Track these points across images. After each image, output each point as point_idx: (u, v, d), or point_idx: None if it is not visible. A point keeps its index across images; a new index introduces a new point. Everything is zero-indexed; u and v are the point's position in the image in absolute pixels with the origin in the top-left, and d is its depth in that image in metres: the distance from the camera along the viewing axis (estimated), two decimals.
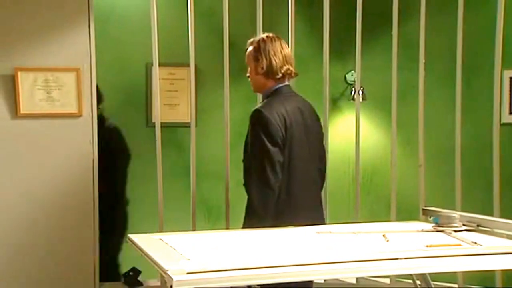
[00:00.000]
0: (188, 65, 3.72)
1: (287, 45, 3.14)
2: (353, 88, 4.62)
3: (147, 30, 3.67)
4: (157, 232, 3.29)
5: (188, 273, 1.89)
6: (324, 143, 3.31)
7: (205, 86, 4.45)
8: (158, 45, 3.63)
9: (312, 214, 3.06)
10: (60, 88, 3.59)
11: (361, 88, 4.18)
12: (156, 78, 3.68)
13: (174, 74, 4.48)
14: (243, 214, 2.96)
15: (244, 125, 3.03)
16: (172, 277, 1.85)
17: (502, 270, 3.59)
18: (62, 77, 3.58)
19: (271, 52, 3.04)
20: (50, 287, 3.60)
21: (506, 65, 3.98)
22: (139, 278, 4.14)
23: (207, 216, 4.55)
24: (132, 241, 2.43)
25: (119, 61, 4.41)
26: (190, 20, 3.66)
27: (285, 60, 3.07)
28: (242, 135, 3.07)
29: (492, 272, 3.71)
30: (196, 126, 3.78)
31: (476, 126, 4.26)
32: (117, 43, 4.39)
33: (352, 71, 4.63)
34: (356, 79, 4.01)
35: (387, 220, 3.79)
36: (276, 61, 3.04)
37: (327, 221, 3.66)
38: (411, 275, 2.66)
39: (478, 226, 2.59)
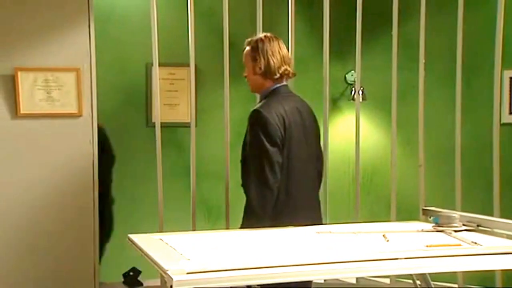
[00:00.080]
0: (188, 65, 3.72)
1: (285, 45, 3.12)
2: (353, 88, 4.62)
3: (147, 30, 3.67)
4: (157, 232, 3.29)
5: (188, 273, 1.89)
6: (321, 143, 3.30)
7: (205, 86, 4.45)
8: (158, 45, 3.63)
9: (310, 214, 3.06)
10: (60, 88, 3.59)
11: (361, 88, 4.19)
12: (156, 78, 3.68)
13: (174, 74, 4.48)
14: (242, 214, 2.96)
15: (244, 125, 3.02)
16: (172, 277, 1.85)
17: (502, 270, 3.59)
18: (62, 77, 3.58)
19: (269, 52, 3.03)
20: (50, 287, 3.60)
21: (506, 65, 3.98)
22: (139, 278, 4.14)
23: (207, 216, 4.55)
24: (132, 241, 2.43)
25: (119, 61, 4.41)
26: (190, 20, 3.66)
27: (283, 60, 3.06)
28: (242, 135, 3.06)
29: (492, 272, 3.71)
30: (196, 126, 3.78)
31: (476, 126, 4.26)
32: (117, 43, 4.40)
33: (352, 71, 4.63)
34: (356, 79, 4.01)
35: (387, 220, 3.79)
36: (274, 61, 3.03)
37: (327, 221, 3.68)
38: (411, 275, 2.66)
39: (478, 226, 2.59)
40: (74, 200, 3.63)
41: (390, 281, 4.00)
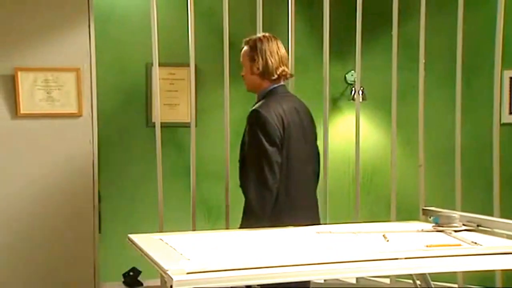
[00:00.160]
0: (188, 65, 3.72)
1: (283, 46, 3.11)
2: (353, 88, 4.62)
3: (147, 30, 3.67)
4: (157, 232, 3.29)
5: (188, 273, 1.89)
6: (318, 143, 3.30)
7: (205, 86, 4.45)
8: (158, 45, 3.63)
9: (309, 213, 3.07)
10: (60, 88, 3.59)
11: (361, 88, 4.18)
12: (156, 78, 3.68)
13: (174, 74, 4.48)
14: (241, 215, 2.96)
15: (244, 125, 3.02)
16: (172, 277, 1.85)
17: (502, 270, 3.59)
18: (62, 77, 3.58)
19: (268, 53, 3.02)
20: (50, 286, 3.60)
21: (506, 65, 3.98)
22: (139, 278, 4.14)
23: (207, 216, 4.55)
24: (132, 241, 2.43)
25: (119, 61, 4.41)
26: (190, 20, 3.66)
27: (281, 61, 3.05)
28: (242, 135, 3.06)
29: (492, 272, 3.70)
30: (196, 126, 3.78)
31: (476, 126, 4.26)
32: (117, 43, 4.39)
33: (352, 71, 4.63)
34: (356, 79, 4.01)
35: (387, 220, 3.79)
36: (272, 61, 3.02)
37: (327, 221, 3.67)
38: (411, 275, 2.65)
39: (478, 226, 2.58)
40: (74, 200, 3.63)
41: (390, 281, 4.00)
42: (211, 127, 4.47)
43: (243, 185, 2.98)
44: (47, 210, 3.60)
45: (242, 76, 3.12)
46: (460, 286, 3.85)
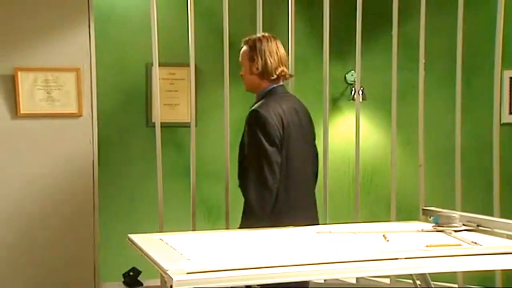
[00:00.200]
0: (188, 65, 3.72)
1: (282, 46, 3.10)
2: (353, 88, 4.62)
3: (147, 30, 3.67)
4: (157, 232, 3.29)
5: (188, 273, 1.89)
6: (316, 143, 3.30)
7: (205, 86, 4.45)
8: (158, 45, 3.63)
9: (308, 213, 3.08)
10: (60, 88, 3.59)
11: (361, 88, 4.18)
12: (156, 78, 3.68)
13: (174, 74, 4.48)
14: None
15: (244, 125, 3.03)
16: (172, 277, 1.85)
17: (502, 270, 3.59)
18: (62, 77, 3.58)
19: (267, 53, 3.02)
20: (50, 286, 3.60)
21: (506, 65, 3.98)
22: (139, 278, 4.14)
23: (207, 216, 4.55)
24: (132, 241, 2.43)
25: (119, 61, 4.41)
26: (190, 20, 3.66)
27: (281, 61, 3.04)
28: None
29: (492, 272, 3.70)
30: (196, 126, 3.78)
31: (476, 126, 4.26)
32: (117, 43, 4.39)
33: (352, 71, 4.63)
34: (356, 79, 4.01)
35: (387, 220, 3.80)
36: (272, 61, 3.01)
37: (327, 221, 3.68)
38: (411, 275, 2.65)
39: (478, 226, 2.58)
40: (74, 200, 3.63)
41: (390, 281, 4.00)
42: (211, 127, 4.47)
43: (243, 185, 2.98)
44: (47, 210, 3.60)
45: (241, 76, 3.12)
46: (460, 286, 3.85)
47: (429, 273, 2.61)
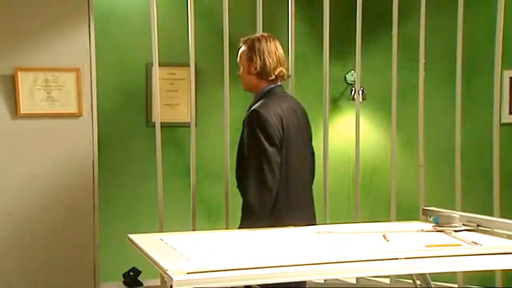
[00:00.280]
0: (188, 65, 3.72)
1: (281, 46, 3.10)
2: (353, 88, 4.61)
3: (147, 30, 3.67)
4: (157, 232, 3.30)
5: (188, 273, 1.89)
6: (315, 143, 3.30)
7: (205, 86, 4.45)
8: (158, 45, 3.63)
9: (306, 213, 3.08)
10: (60, 88, 3.59)
11: (361, 88, 4.18)
12: (156, 78, 3.69)
13: (174, 74, 4.48)
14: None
15: None
16: (172, 277, 1.85)
17: (502, 270, 3.59)
18: (62, 77, 3.58)
19: (266, 53, 3.01)
20: (50, 286, 3.60)
21: (506, 65, 3.98)
22: (139, 278, 4.14)
23: (207, 216, 4.55)
24: (132, 241, 2.43)
25: (119, 61, 4.41)
26: (190, 20, 3.66)
27: (279, 61, 3.03)
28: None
29: (492, 272, 3.71)
30: (196, 126, 3.78)
31: (476, 126, 4.26)
32: (117, 43, 4.39)
33: (352, 71, 4.63)
34: (356, 79, 4.01)
35: (387, 220, 3.80)
36: (270, 62, 3.00)
37: (327, 221, 3.68)
38: (411, 275, 2.66)
39: (478, 226, 2.58)
40: (74, 199, 3.63)
41: (390, 281, 4.00)
42: (211, 127, 4.47)
43: (242, 185, 2.98)
44: (47, 210, 3.60)
45: (239, 75, 3.12)
46: (460, 286, 3.85)
47: (429, 273, 2.61)
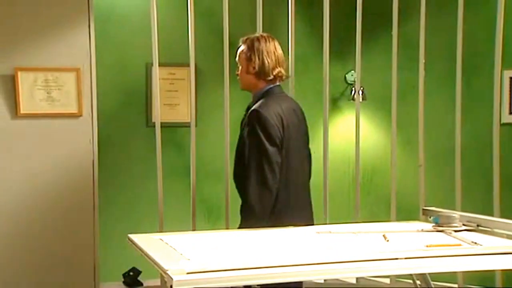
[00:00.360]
0: (188, 65, 3.72)
1: (280, 46, 3.09)
2: (353, 88, 4.61)
3: (147, 30, 3.67)
4: (157, 232, 3.29)
5: (188, 273, 1.89)
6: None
7: (205, 86, 4.45)
8: (158, 45, 3.63)
9: (305, 213, 3.09)
10: (60, 88, 3.59)
11: (361, 88, 4.18)
12: (156, 78, 3.69)
13: (174, 74, 4.48)
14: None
15: None
16: (172, 277, 1.85)
17: (502, 270, 3.59)
18: (62, 77, 3.58)
19: (265, 53, 3.01)
20: (50, 286, 3.60)
21: (506, 65, 3.98)
22: (139, 278, 4.14)
23: (207, 216, 4.55)
24: (132, 241, 2.43)
25: (119, 61, 4.41)
26: (190, 20, 3.66)
27: (278, 62, 3.03)
28: None
29: (492, 272, 3.71)
30: (196, 126, 3.78)
31: (476, 126, 4.26)
32: (117, 43, 4.39)
33: (352, 71, 4.63)
34: (356, 79, 4.01)
35: (387, 220, 3.80)
36: (269, 62, 3.00)
37: (327, 221, 3.68)
38: (411, 275, 2.66)
39: (478, 226, 2.59)
40: (74, 199, 3.63)
41: (390, 281, 4.00)
42: (211, 127, 4.47)
43: (242, 185, 2.97)
44: (47, 210, 3.60)
45: (237, 75, 3.12)
46: (460, 286, 3.86)
47: (429, 273, 2.61)
